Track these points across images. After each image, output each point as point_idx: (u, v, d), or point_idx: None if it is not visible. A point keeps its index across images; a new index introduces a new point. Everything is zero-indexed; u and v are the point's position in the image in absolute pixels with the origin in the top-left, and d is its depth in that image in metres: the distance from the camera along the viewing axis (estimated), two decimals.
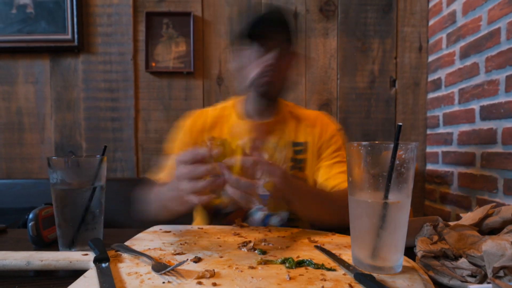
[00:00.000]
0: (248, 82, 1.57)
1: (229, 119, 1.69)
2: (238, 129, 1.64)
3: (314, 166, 1.64)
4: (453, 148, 2.48)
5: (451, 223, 0.95)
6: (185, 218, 1.79)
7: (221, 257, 0.91)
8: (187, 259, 0.88)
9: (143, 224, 1.39)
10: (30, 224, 1.07)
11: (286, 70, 1.59)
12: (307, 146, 1.65)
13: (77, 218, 0.98)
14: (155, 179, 1.62)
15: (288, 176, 1.17)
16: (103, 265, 0.81)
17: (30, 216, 1.08)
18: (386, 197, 0.77)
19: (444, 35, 2.61)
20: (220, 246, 1.02)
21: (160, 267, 0.80)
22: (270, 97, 1.61)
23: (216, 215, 1.59)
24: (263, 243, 1.04)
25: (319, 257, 0.91)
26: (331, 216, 1.25)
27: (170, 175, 1.58)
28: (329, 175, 1.58)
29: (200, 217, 1.69)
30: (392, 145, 0.76)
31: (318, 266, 0.83)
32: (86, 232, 0.99)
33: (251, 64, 1.54)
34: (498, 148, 2.01)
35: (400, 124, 0.78)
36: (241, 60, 1.61)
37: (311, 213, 1.28)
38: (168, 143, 1.77)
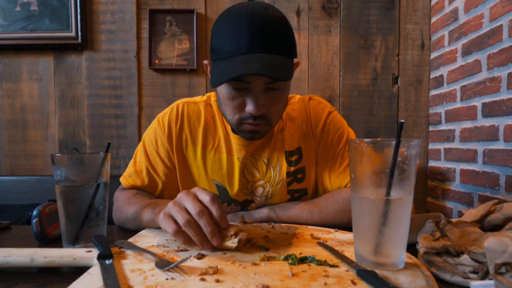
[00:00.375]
0: (229, 123, 1.39)
1: (218, 126, 1.50)
2: (226, 144, 1.48)
3: (315, 168, 1.53)
4: (455, 145, 2.47)
5: (453, 220, 0.95)
6: None
7: (224, 253, 0.91)
8: (190, 256, 0.88)
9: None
10: (34, 221, 1.07)
11: (276, 110, 1.32)
12: (302, 150, 1.50)
13: (80, 215, 0.98)
14: (126, 184, 1.51)
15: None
16: (107, 262, 0.81)
17: (34, 212, 1.08)
18: (388, 194, 0.77)
19: (446, 33, 2.60)
20: None
21: (163, 263, 0.80)
22: (260, 139, 1.43)
23: None
24: (265, 240, 1.04)
25: (322, 254, 0.90)
26: (327, 224, 1.25)
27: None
28: (331, 179, 1.48)
29: None
30: (394, 142, 0.75)
31: (321, 263, 0.83)
32: (89, 229, 0.99)
33: (229, 103, 1.28)
34: (500, 145, 2.01)
35: (402, 121, 0.78)
36: (219, 93, 1.34)
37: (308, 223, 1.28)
38: (144, 135, 1.57)
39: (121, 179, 1.53)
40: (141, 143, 1.55)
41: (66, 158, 1.01)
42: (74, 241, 0.98)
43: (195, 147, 1.49)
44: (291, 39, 1.25)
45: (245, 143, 1.44)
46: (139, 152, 1.54)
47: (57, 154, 0.99)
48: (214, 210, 0.91)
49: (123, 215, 1.31)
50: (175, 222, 0.92)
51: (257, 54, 1.16)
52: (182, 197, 0.95)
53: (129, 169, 1.53)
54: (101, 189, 1.02)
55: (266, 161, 1.48)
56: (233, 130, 1.43)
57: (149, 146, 1.51)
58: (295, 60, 1.33)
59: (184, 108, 1.50)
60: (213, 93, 1.56)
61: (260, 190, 1.49)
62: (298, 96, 1.59)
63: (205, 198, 0.93)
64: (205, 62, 1.43)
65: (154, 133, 1.50)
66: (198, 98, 1.56)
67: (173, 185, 1.51)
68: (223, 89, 1.26)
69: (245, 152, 1.45)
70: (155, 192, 1.51)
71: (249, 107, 1.21)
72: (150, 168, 1.49)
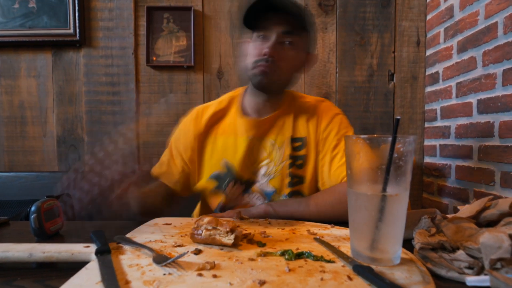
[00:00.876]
0: (246, 72, 1.56)
1: (228, 116, 1.68)
2: (237, 127, 1.63)
3: (314, 160, 1.60)
4: (450, 141, 2.48)
5: (449, 216, 0.95)
6: (185, 210, 1.80)
7: (221, 249, 0.91)
8: (188, 251, 0.88)
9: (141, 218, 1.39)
10: (32, 217, 1.07)
11: (287, 62, 1.50)
12: (306, 141, 1.61)
13: None
14: (152, 172, 1.71)
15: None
16: (105, 257, 0.81)
17: (33, 208, 1.08)
18: (384, 189, 0.77)
19: (441, 30, 2.60)
20: None
21: (161, 259, 0.80)
22: (266, 90, 1.55)
23: (220, 211, 1.60)
24: (262, 236, 1.04)
25: (318, 249, 0.90)
26: (324, 217, 1.25)
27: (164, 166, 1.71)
28: (330, 172, 1.53)
29: (202, 209, 1.71)
30: (390, 139, 0.75)
31: (317, 258, 0.83)
32: None
33: (252, 51, 1.50)
34: (495, 141, 2.01)
35: (398, 117, 0.78)
36: (243, 51, 1.58)
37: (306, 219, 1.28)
38: (170, 137, 1.79)
39: (153, 172, 1.74)
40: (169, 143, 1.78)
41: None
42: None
43: (210, 135, 1.68)
44: (309, 20, 1.54)
45: (255, 124, 1.59)
46: (166, 150, 1.76)
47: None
48: None
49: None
50: None
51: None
52: None
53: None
54: None
55: (272, 142, 1.60)
56: (249, 80, 1.57)
57: (173, 144, 1.74)
58: (311, 53, 1.66)
59: (201, 111, 1.73)
60: (227, 95, 1.77)
61: (263, 169, 1.59)
62: (312, 97, 1.77)
63: None
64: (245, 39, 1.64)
65: (178, 134, 1.75)
66: (210, 102, 1.77)
67: (187, 178, 1.69)
68: (249, 44, 1.54)
69: (254, 132, 1.60)
70: (172, 178, 1.68)
71: (265, 49, 1.43)
72: (171, 160, 1.70)
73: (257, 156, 1.61)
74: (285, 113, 1.64)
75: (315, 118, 1.64)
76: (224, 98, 1.74)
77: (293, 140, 1.60)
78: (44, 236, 1.08)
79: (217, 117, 1.68)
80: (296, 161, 1.59)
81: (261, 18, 1.47)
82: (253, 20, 1.49)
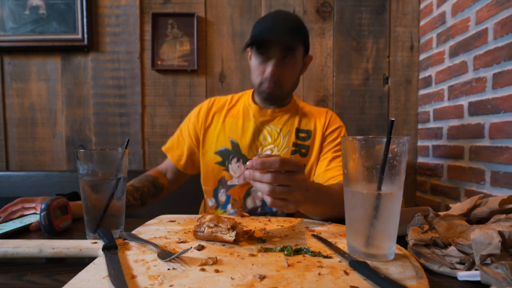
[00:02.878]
0: (254, 86, 1.66)
1: (239, 103, 1.78)
2: (247, 112, 1.72)
3: (317, 153, 1.66)
4: (443, 142, 2.48)
5: (441, 213, 0.95)
6: (189, 208, 1.81)
7: (223, 245, 0.91)
8: (191, 247, 0.88)
9: (150, 214, 1.40)
10: (42, 214, 1.07)
11: (289, 76, 1.61)
12: (312, 134, 1.68)
13: (102, 206, 0.98)
14: (162, 148, 1.91)
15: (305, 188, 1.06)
16: (112, 253, 0.81)
17: (42, 206, 1.08)
18: (379, 188, 0.77)
19: (434, 35, 2.60)
20: None
21: (165, 254, 0.80)
22: (272, 102, 1.66)
23: (222, 186, 1.63)
24: (263, 232, 1.04)
25: (316, 245, 0.90)
26: (333, 211, 1.23)
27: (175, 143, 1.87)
28: (328, 167, 1.58)
29: (206, 194, 1.74)
30: (385, 139, 0.75)
31: (315, 254, 0.83)
32: (110, 218, 1.00)
33: (256, 70, 1.60)
34: (485, 142, 2.01)
35: (393, 119, 0.78)
36: (251, 62, 1.65)
37: (317, 211, 1.25)
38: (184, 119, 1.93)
39: (163, 148, 1.93)
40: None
41: (90, 154, 1.01)
42: (96, 229, 0.98)
43: (219, 117, 1.78)
44: (304, 32, 1.62)
45: (263, 113, 1.72)
46: (177, 130, 1.91)
47: (81, 150, 0.99)
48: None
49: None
50: None
51: (276, 33, 1.54)
52: None
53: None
54: (120, 182, 1.02)
55: (278, 130, 1.70)
56: (255, 93, 1.71)
57: (183, 124, 1.88)
58: (309, 54, 1.73)
59: (215, 98, 1.87)
60: (239, 93, 1.88)
61: (268, 152, 1.67)
62: (317, 107, 1.88)
63: None
64: (248, 49, 1.74)
65: (190, 114, 1.88)
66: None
67: (193, 153, 1.83)
68: (253, 59, 1.62)
69: (261, 119, 1.71)
70: (179, 152, 1.85)
71: (267, 71, 1.55)
72: (180, 136, 1.87)
73: (262, 140, 1.67)
74: (292, 109, 1.75)
75: (323, 118, 1.74)
76: (235, 95, 1.84)
77: (299, 130, 1.70)
78: (54, 232, 1.09)
79: (229, 106, 1.78)
80: (301, 149, 1.66)
81: (263, 37, 1.55)
82: (256, 39, 1.56)
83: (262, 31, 1.55)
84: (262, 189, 0.94)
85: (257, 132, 1.68)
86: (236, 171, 1.63)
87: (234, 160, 1.66)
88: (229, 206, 1.66)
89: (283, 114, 1.71)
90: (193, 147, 1.81)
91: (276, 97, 1.63)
